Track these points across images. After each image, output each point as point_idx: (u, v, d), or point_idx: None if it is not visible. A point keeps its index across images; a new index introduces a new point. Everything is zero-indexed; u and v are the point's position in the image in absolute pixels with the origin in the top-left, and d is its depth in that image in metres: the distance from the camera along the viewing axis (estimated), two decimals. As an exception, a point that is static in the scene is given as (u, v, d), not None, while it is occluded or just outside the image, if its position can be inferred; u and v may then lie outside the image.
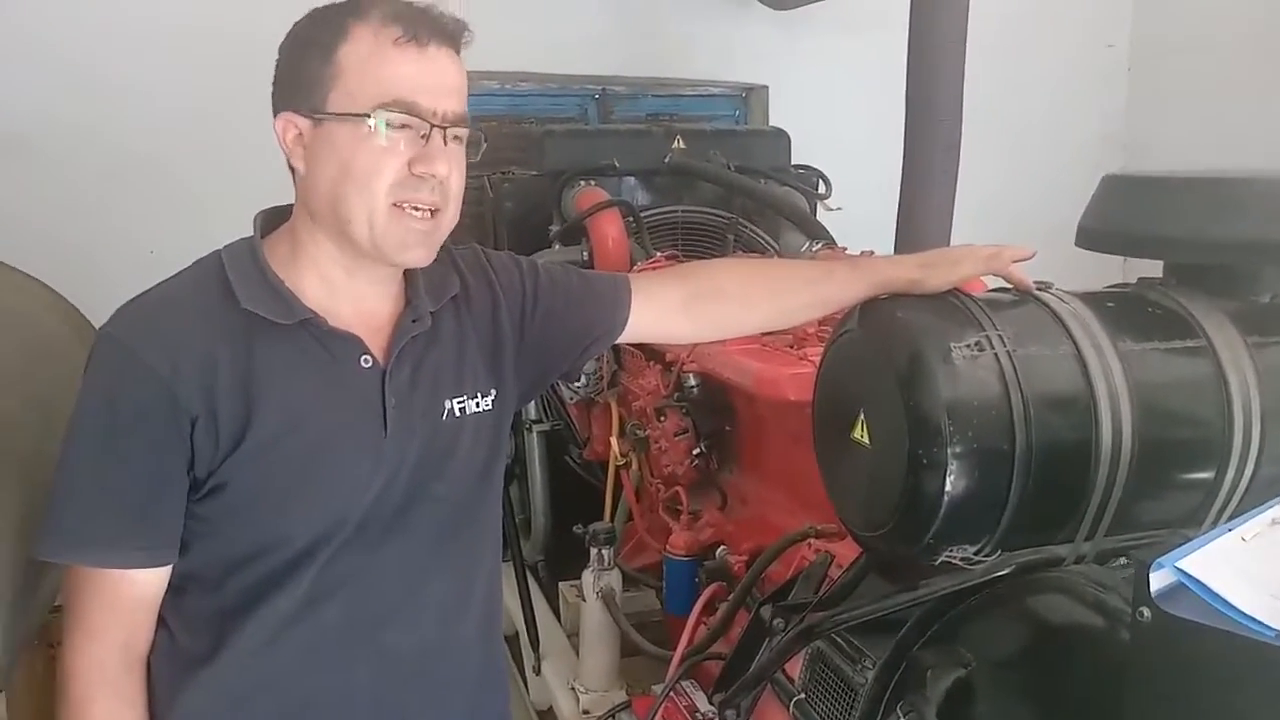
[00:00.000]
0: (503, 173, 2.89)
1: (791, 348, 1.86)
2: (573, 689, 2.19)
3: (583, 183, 2.78)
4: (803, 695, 1.56)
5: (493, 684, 1.24)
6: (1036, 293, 1.34)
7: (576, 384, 2.47)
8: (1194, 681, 0.92)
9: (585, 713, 2.13)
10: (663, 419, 2.21)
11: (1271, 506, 0.96)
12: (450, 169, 1.09)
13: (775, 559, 1.78)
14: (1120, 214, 1.38)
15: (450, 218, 1.12)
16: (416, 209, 1.07)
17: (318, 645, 1.07)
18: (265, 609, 1.06)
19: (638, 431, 2.30)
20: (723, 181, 2.80)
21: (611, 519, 2.51)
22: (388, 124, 1.04)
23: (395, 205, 1.06)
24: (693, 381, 2.14)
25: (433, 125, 1.07)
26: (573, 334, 1.32)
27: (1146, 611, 0.96)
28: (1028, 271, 1.41)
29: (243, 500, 1.04)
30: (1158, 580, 0.92)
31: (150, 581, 1.06)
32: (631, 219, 2.68)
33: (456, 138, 1.11)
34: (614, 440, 2.42)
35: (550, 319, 1.29)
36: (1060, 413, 1.21)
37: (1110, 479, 1.22)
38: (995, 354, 1.22)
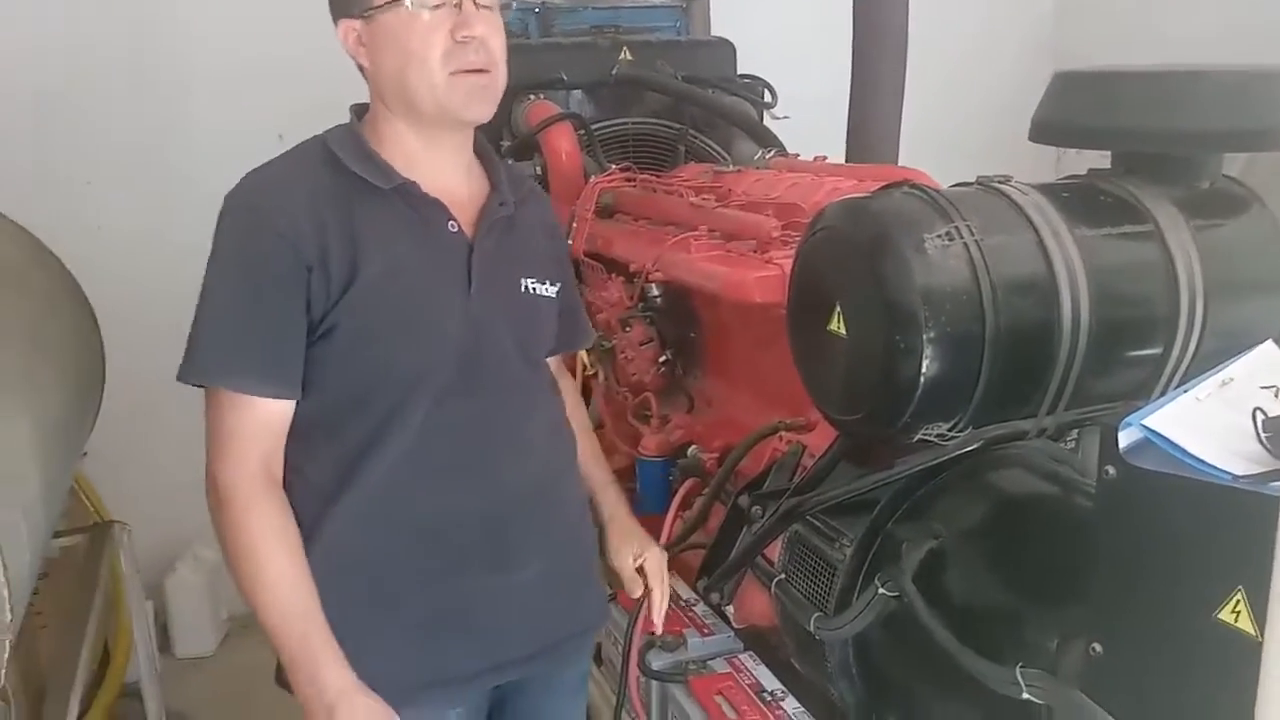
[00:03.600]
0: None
1: (756, 252, 1.92)
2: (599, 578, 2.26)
3: (532, 97, 2.76)
4: (783, 576, 1.66)
5: (585, 520, 1.39)
6: (997, 185, 1.41)
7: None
8: (1157, 528, 1.02)
9: (567, 610, 2.21)
10: (628, 329, 2.26)
11: (1221, 370, 1.06)
12: (488, 31, 1.24)
13: (748, 452, 1.86)
14: (1072, 108, 1.45)
15: (501, 76, 1.27)
16: (470, 71, 1.22)
17: (430, 480, 1.22)
18: (381, 448, 1.20)
19: (603, 343, 2.35)
20: (672, 92, 2.81)
21: (580, 428, 2.57)
22: (422, 2, 1.20)
23: (452, 75, 1.21)
24: (656, 291, 2.18)
25: None
26: None
27: (1111, 469, 1.06)
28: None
29: (351, 342, 1.18)
30: (1124, 438, 1.01)
31: (278, 412, 1.20)
32: (583, 132, 2.68)
33: (486, 6, 1.25)
34: (580, 352, 2.46)
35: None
36: (1025, 296, 1.30)
37: (1070, 356, 1.31)
38: (964, 243, 1.29)
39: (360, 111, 1.31)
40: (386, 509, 1.20)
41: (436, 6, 1.21)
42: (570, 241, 2.50)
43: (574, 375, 2.17)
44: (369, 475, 1.19)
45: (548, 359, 1.45)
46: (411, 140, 1.25)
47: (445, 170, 1.28)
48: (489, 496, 1.23)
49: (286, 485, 1.23)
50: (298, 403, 1.22)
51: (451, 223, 1.25)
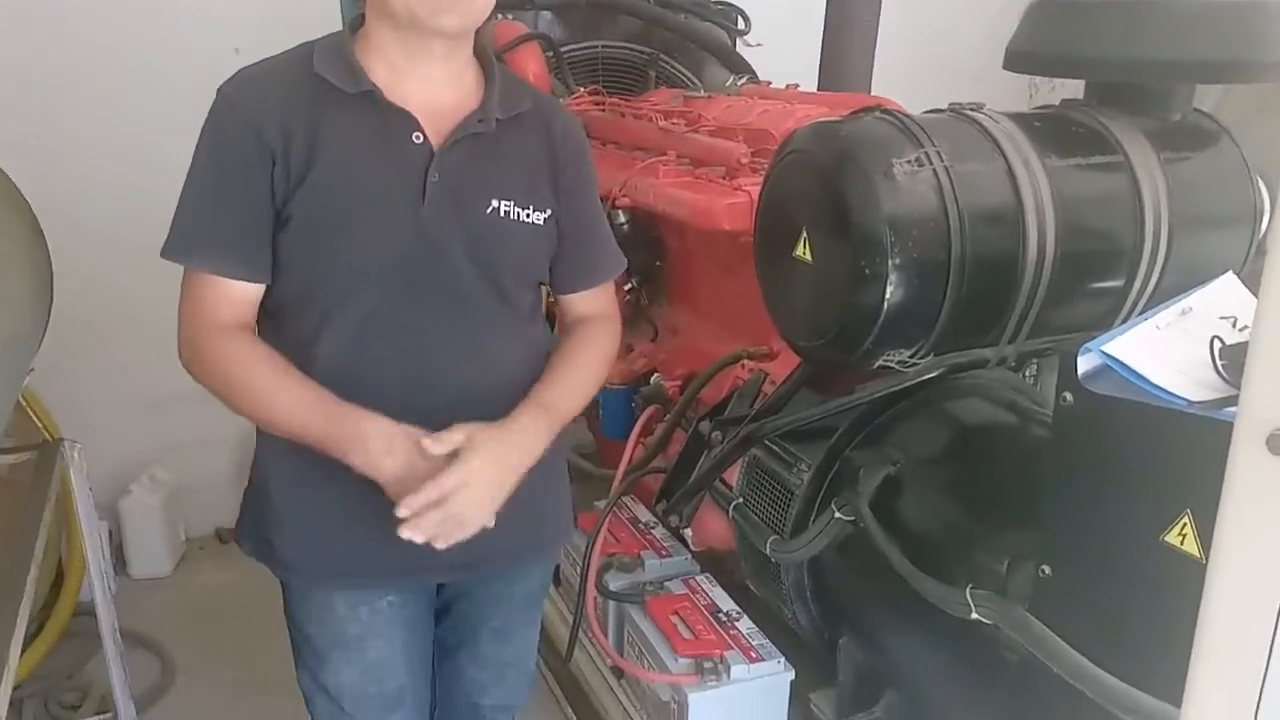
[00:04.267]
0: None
1: (725, 178, 1.89)
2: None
3: (499, 16, 2.68)
4: (741, 500, 1.67)
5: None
6: (969, 112, 1.40)
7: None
8: (1110, 454, 1.04)
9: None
10: (593, 255, 2.23)
11: (1181, 299, 1.07)
12: None
13: (711, 379, 1.86)
14: (1046, 37, 1.43)
15: None
16: None
17: (368, 376, 1.23)
18: (325, 340, 1.23)
19: (567, 268, 2.32)
20: (644, 15, 2.73)
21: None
22: None
23: None
24: (623, 218, 2.16)
25: None
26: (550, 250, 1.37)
27: (1069, 395, 1.07)
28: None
29: (302, 232, 1.21)
30: (1084, 364, 1.02)
31: (247, 293, 1.24)
32: (551, 54, 2.61)
33: None
34: (543, 278, 2.43)
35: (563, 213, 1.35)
36: (992, 225, 1.30)
37: (1034, 286, 1.32)
38: (934, 169, 1.28)
39: (354, 25, 1.32)
40: (342, 390, 1.21)
41: None
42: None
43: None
44: (314, 364, 1.22)
45: (573, 295, 1.39)
46: (394, 49, 1.24)
47: (429, 80, 1.25)
48: (428, 399, 1.23)
49: None
50: (266, 288, 1.25)
51: (417, 133, 1.22)
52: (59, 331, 2.63)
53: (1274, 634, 0.62)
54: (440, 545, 1.17)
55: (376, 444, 1.17)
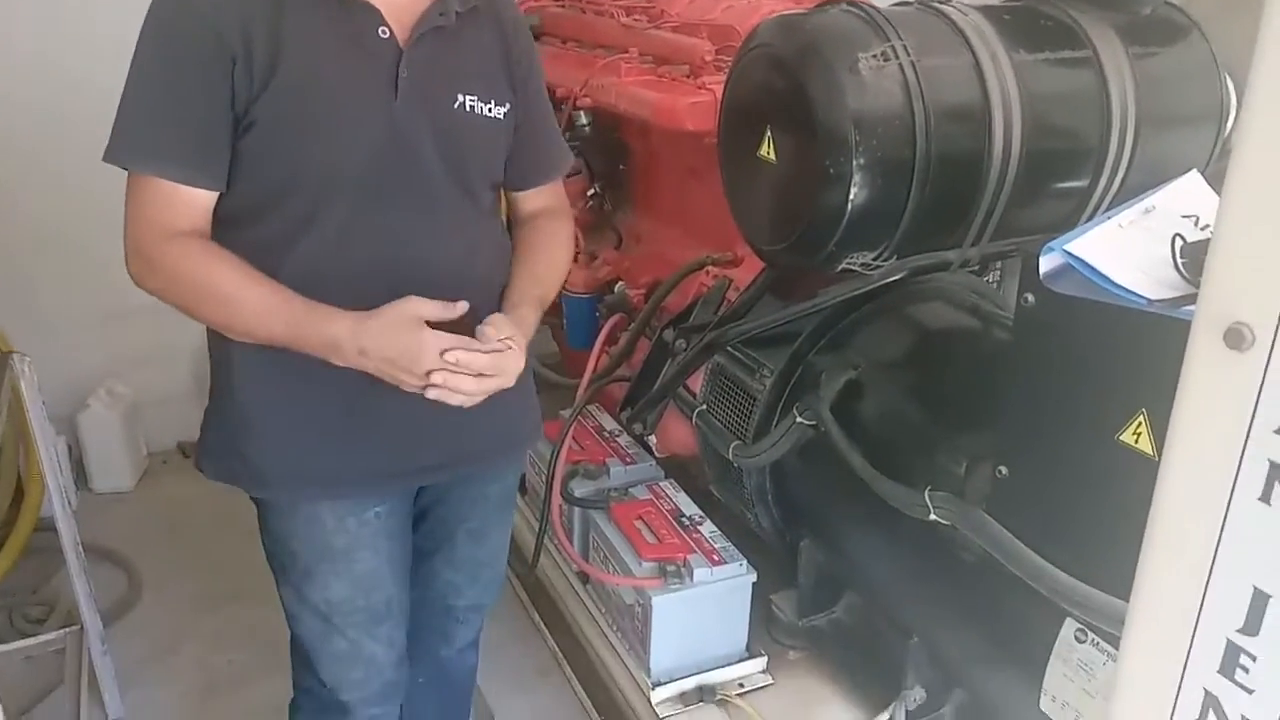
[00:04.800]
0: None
1: (689, 77, 1.83)
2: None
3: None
4: (704, 406, 1.67)
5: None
6: (937, 5, 1.35)
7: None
8: (1069, 354, 1.03)
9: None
10: (554, 159, 2.18)
11: (1145, 198, 1.05)
12: None
13: (675, 287, 1.84)
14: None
15: None
16: None
17: (345, 283, 1.18)
18: (298, 246, 1.17)
19: (528, 173, 2.26)
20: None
21: (504, 264, 2.51)
22: None
23: None
24: (584, 120, 2.09)
25: None
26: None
27: (1030, 297, 1.06)
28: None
29: (267, 139, 1.15)
30: (1046, 264, 1.01)
31: (200, 201, 1.17)
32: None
33: None
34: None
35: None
36: (958, 122, 1.26)
37: (999, 186, 1.29)
38: (900, 64, 1.24)
39: None
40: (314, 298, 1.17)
41: None
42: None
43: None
44: (285, 272, 1.16)
45: (527, 191, 1.37)
46: None
47: None
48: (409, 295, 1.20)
49: None
50: (221, 195, 1.17)
51: (383, 28, 1.17)
52: (10, 244, 2.56)
53: (1222, 526, 0.62)
54: (476, 398, 1.15)
55: (348, 348, 1.13)
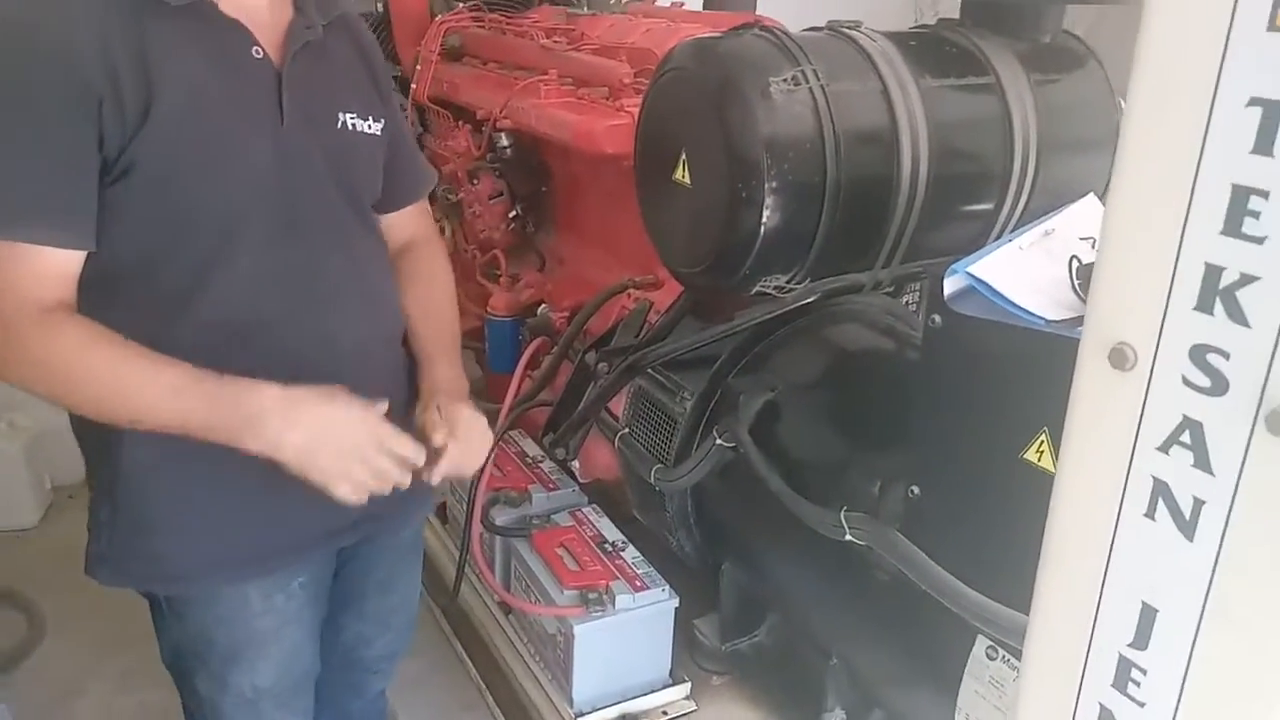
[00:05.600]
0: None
1: (608, 99, 1.84)
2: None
3: (374, -74, 2.53)
4: (626, 430, 1.66)
5: (408, 381, 1.29)
6: (847, 31, 1.37)
7: (380, 149, 2.36)
8: (975, 374, 1.05)
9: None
10: (476, 182, 2.16)
11: (1044, 220, 1.08)
12: None
13: (597, 310, 1.83)
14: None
15: None
16: None
17: (257, 336, 1.08)
18: (200, 303, 1.06)
19: (449, 196, 2.24)
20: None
21: (426, 288, 2.48)
22: None
23: None
24: (505, 141, 2.08)
25: None
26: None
27: (938, 318, 1.08)
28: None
29: (152, 183, 1.03)
30: (950, 285, 1.03)
31: (66, 263, 1.03)
32: (430, -32, 2.49)
33: None
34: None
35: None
36: (867, 147, 1.29)
37: (908, 209, 1.32)
38: (810, 88, 1.26)
39: None
40: (210, 370, 1.04)
41: None
42: (414, 86, 2.35)
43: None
44: (187, 333, 1.05)
45: (395, 213, 1.33)
46: None
47: None
48: (321, 351, 1.13)
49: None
50: (97, 253, 1.04)
51: (255, 49, 1.09)
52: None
53: (1112, 541, 0.63)
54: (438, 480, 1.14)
55: (275, 421, 1.02)
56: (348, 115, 1.17)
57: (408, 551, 1.40)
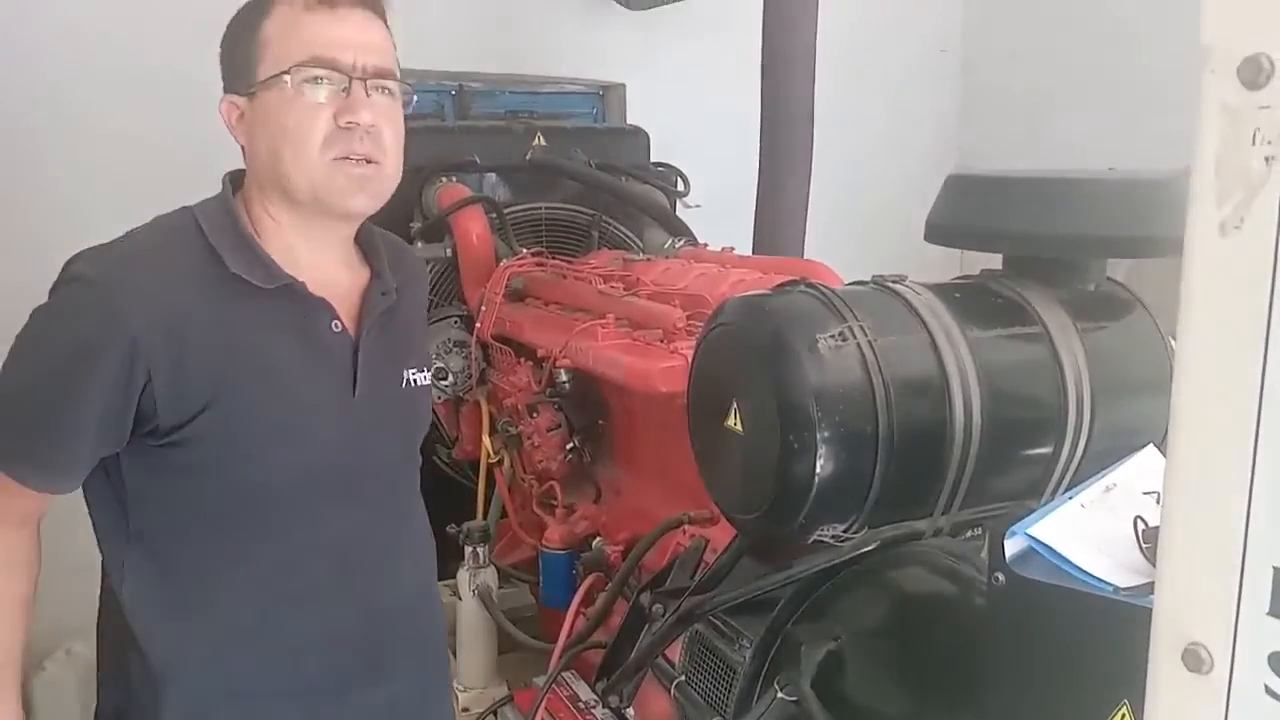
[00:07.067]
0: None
1: (662, 342, 1.91)
2: (452, 688, 2.17)
3: (444, 179, 2.74)
4: (683, 677, 1.60)
5: (444, 644, 1.27)
6: (891, 285, 1.42)
7: (444, 382, 2.45)
8: (1044, 635, 1.01)
9: (465, 710, 2.12)
10: (535, 415, 2.21)
11: (1104, 475, 1.07)
12: (376, 118, 1.14)
13: (652, 546, 1.82)
14: (963, 211, 1.48)
15: (391, 169, 1.17)
16: (351, 159, 1.13)
17: (303, 600, 1.11)
18: (247, 566, 1.09)
19: (509, 429, 2.30)
20: (585, 178, 2.82)
21: (484, 517, 2.50)
22: (305, 79, 1.10)
23: (333, 161, 1.12)
24: (564, 377, 2.15)
25: (351, 77, 1.13)
26: None
27: (1001, 576, 1.05)
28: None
29: (211, 454, 1.07)
30: (1011, 547, 1.01)
31: (46, 497, 1.12)
32: (495, 215, 2.67)
33: (383, 90, 1.16)
34: (486, 438, 2.41)
35: None
36: (917, 396, 1.30)
37: (963, 456, 1.31)
38: (858, 343, 1.30)
39: (235, 180, 1.19)
40: (252, 630, 1.08)
41: (318, 80, 1.11)
42: (479, 324, 2.47)
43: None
44: (230, 594, 1.09)
45: None
46: (289, 230, 1.15)
47: (326, 263, 1.18)
48: (366, 613, 1.13)
49: (109, 604, 1.13)
50: (129, 512, 1.11)
51: (335, 322, 1.15)
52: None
53: None
54: None
55: None
56: (411, 371, 1.23)
57: None
